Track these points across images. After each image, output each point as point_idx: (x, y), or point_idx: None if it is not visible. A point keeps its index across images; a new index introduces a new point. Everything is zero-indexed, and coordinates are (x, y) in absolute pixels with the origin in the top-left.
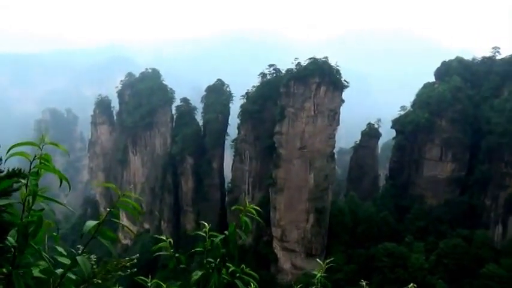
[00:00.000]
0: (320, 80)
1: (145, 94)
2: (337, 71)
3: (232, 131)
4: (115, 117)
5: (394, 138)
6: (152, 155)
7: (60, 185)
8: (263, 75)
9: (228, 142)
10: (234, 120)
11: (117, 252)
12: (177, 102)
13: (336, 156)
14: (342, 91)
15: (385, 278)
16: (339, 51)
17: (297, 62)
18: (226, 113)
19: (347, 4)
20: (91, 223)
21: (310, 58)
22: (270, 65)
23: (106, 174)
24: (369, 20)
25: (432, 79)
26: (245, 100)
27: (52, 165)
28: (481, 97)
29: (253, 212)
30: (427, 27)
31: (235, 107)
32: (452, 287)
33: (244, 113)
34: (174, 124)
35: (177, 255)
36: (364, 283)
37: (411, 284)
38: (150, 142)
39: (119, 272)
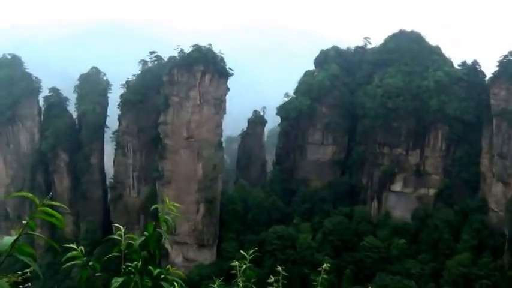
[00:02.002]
0: (205, 68)
1: (4, 84)
2: (222, 59)
3: (112, 122)
4: None
5: (279, 124)
6: (17, 154)
7: None
8: (144, 62)
9: (107, 135)
10: (113, 111)
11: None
12: (44, 92)
13: (223, 144)
14: (227, 79)
15: (277, 260)
16: (228, 42)
17: (180, 49)
18: (104, 104)
19: None
20: (7, 240)
21: (194, 45)
22: (151, 52)
23: None
24: (259, 14)
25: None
26: (125, 89)
27: None
28: (355, 84)
29: (174, 210)
30: (309, 20)
31: (114, 97)
32: (337, 261)
33: (125, 103)
34: (42, 117)
35: (91, 262)
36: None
37: (325, 265)
38: (13, 139)
39: None
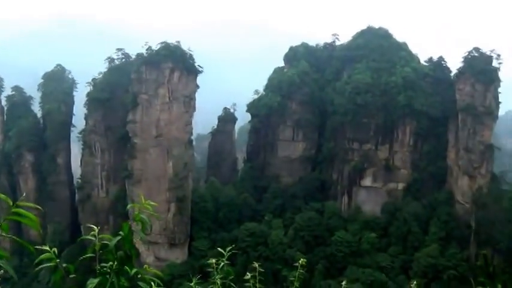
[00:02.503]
0: (173, 65)
1: None
2: (191, 56)
3: (79, 121)
4: None
5: (249, 122)
6: None
7: None
8: (110, 60)
9: (74, 134)
10: (79, 110)
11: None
12: (7, 91)
13: (194, 142)
14: (196, 76)
15: (249, 257)
16: (196, 39)
17: (147, 46)
18: (70, 103)
19: None
20: None
21: (162, 42)
22: (118, 49)
23: None
24: (224, 12)
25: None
26: (92, 88)
27: None
28: (325, 80)
29: (150, 209)
30: (276, 17)
31: (80, 96)
32: (308, 256)
33: (92, 101)
34: (5, 117)
35: (64, 264)
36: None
37: (301, 260)
38: None
39: None
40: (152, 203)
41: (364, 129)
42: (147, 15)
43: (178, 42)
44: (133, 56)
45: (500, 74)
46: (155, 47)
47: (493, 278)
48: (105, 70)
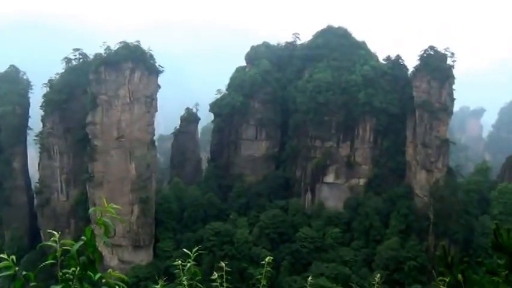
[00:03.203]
0: (133, 65)
1: None
2: (151, 56)
3: (35, 124)
4: None
5: (212, 121)
6: None
7: None
8: (68, 60)
9: (30, 137)
10: (36, 112)
11: None
12: None
13: (156, 143)
14: (157, 76)
15: (215, 256)
16: (158, 38)
17: (106, 46)
18: (26, 104)
19: None
20: None
21: (121, 42)
22: (75, 49)
23: None
24: (175, 11)
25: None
26: (48, 89)
27: None
28: (286, 79)
29: (113, 212)
30: (237, 17)
31: (36, 97)
32: (274, 253)
33: (49, 103)
34: None
35: (24, 272)
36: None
37: (268, 258)
38: None
39: None
40: (115, 206)
41: (326, 127)
42: (102, 14)
43: (138, 41)
44: (92, 56)
45: (454, 71)
46: (114, 46)
47: (451, 267)
48: (62, 71)
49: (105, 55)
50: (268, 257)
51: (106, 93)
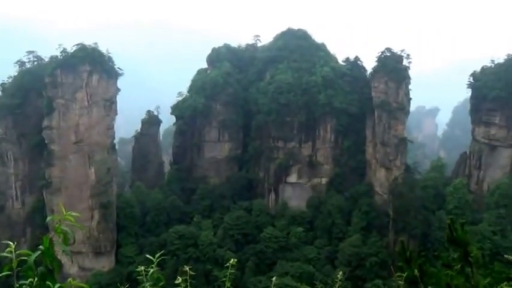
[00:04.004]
0: (91, 68)
1: None
2: (110, 58)
3: None
4: None
5: (174, 124)
6: None
7: None
8: (21, 63)
9: None
10: None
11: None
12: None
13: (117, 147)
14: (116, 79)
15: (179, 260)
16: (108, 39)
17: (62, 48)
18: None
19: None
20: None
21: (78, 44)
22: (29, 52)
23: None
24: (130, 11)
25: (205, 65)
26: (0, 93)
27: None
28: (248, 81)
29: (72, 220)
30: (193, 17)
31: None
32: (239, 255)
33: (1, 108)
34: None
35: None
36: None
37: (232, 260)
38: None
39: None
40: (74, 214)
41: (288, 128)
42: (55, 14)
43: (96, 43)
44: (47, 59)
45: (410, 72)
46: (71, 49)
47: (410, 262)
48: (16, 74)
49: (62, 58)
50: (232, 259)
51: (63, 97)
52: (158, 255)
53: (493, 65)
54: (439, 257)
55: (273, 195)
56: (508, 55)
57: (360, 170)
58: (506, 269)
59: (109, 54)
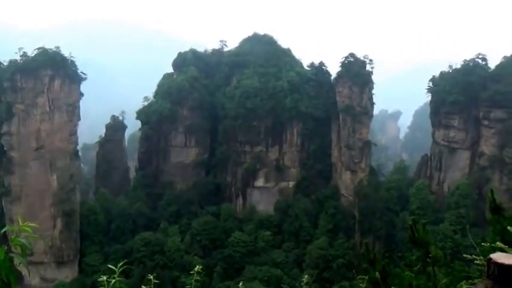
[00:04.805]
0: (53, 72)
1: None
2: (72, 62)
3: None
4: None
5: (140, 129)
6: None
7: None
8: None
9: None
10: None
11: None
12: None
13: (80, 153)
14: (79, 84)
15: (145, 267)
16: (67, 41)
17: (22, 52)
18: None
19: None
20: None
21: (39, 48)
22: None
23: None
24: (85, 10)
25: (170, 70)
26: None
27: None
28: (214, 85)
29: (29, 231)
30: (160, 21)
31: None
32: (206, 260)
33: None
34: None
35: None
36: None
37: (197, 267)
38: None
39: None
40: (32, 224)
41: (255, 132)
42: (12, 15)
43: (58, 47)
44: (5, 63)
45: (373, 77)
46: (31, 53)
47: (374, 263)
48: None
49: (21, 62)
50: (197, 266)
51: (23, 102)
52: (121, 264)
53: (450, 70)
54: (402, 258)
55: (240, 200)
56: (465, 60)
57: (326, 173)
58: (466, 267)
59: (72, 58)
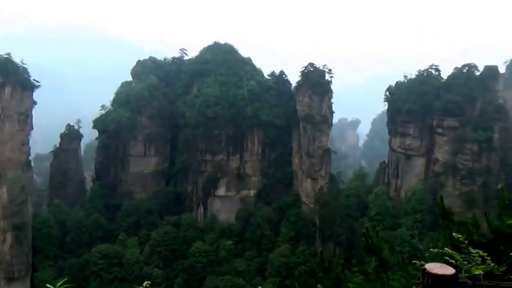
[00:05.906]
0: (4, 79)
1: None
2: (24, 70)
3: None
4: None
5: (97, 138)
6: None
7: None
8: None
9: None
10: None
11: None
12: None
13: (32, 163)
14: (32, 91)
15: (102, 281)
16: (20, 49)
17: None
18: None
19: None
20: None
21: None
22: None
23: None
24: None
25: (129, 78)
26: None
27: None
28: (175, 94)
29: None
30: (117, 27)
31: None
32: (167, 271)
33: None
34: None
35: None
36: None
37: (145, 283)
38: None
39: None
40: None
41: (216, 141)
42: None
43: (9, 54)
44: None
45: (334, 87)
46: None
47: (328, 271)
48: None
49: None
50: (146, 282)
51: None
52: (60, 283)
53: (406, 80)
54: (359, 264)
55: (201, 209)
56: (419, 71)
57: (287, 180)
58: (418, 272)
59: (24, 65)
